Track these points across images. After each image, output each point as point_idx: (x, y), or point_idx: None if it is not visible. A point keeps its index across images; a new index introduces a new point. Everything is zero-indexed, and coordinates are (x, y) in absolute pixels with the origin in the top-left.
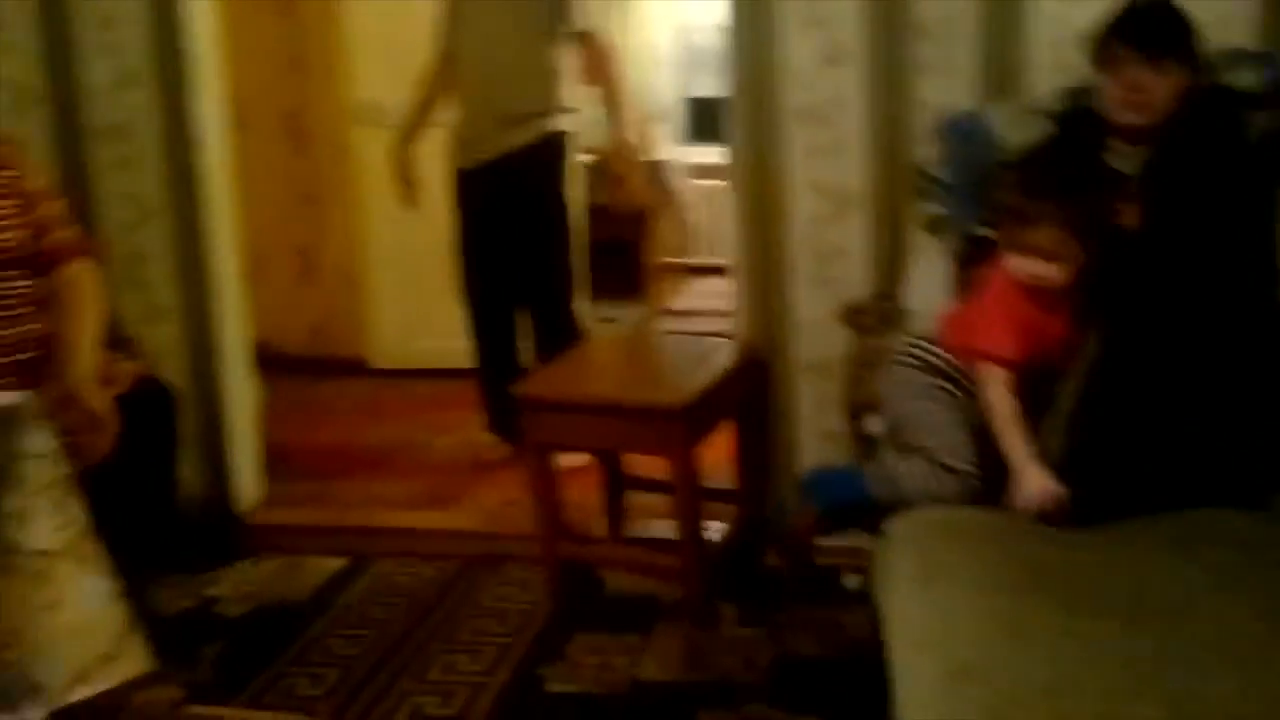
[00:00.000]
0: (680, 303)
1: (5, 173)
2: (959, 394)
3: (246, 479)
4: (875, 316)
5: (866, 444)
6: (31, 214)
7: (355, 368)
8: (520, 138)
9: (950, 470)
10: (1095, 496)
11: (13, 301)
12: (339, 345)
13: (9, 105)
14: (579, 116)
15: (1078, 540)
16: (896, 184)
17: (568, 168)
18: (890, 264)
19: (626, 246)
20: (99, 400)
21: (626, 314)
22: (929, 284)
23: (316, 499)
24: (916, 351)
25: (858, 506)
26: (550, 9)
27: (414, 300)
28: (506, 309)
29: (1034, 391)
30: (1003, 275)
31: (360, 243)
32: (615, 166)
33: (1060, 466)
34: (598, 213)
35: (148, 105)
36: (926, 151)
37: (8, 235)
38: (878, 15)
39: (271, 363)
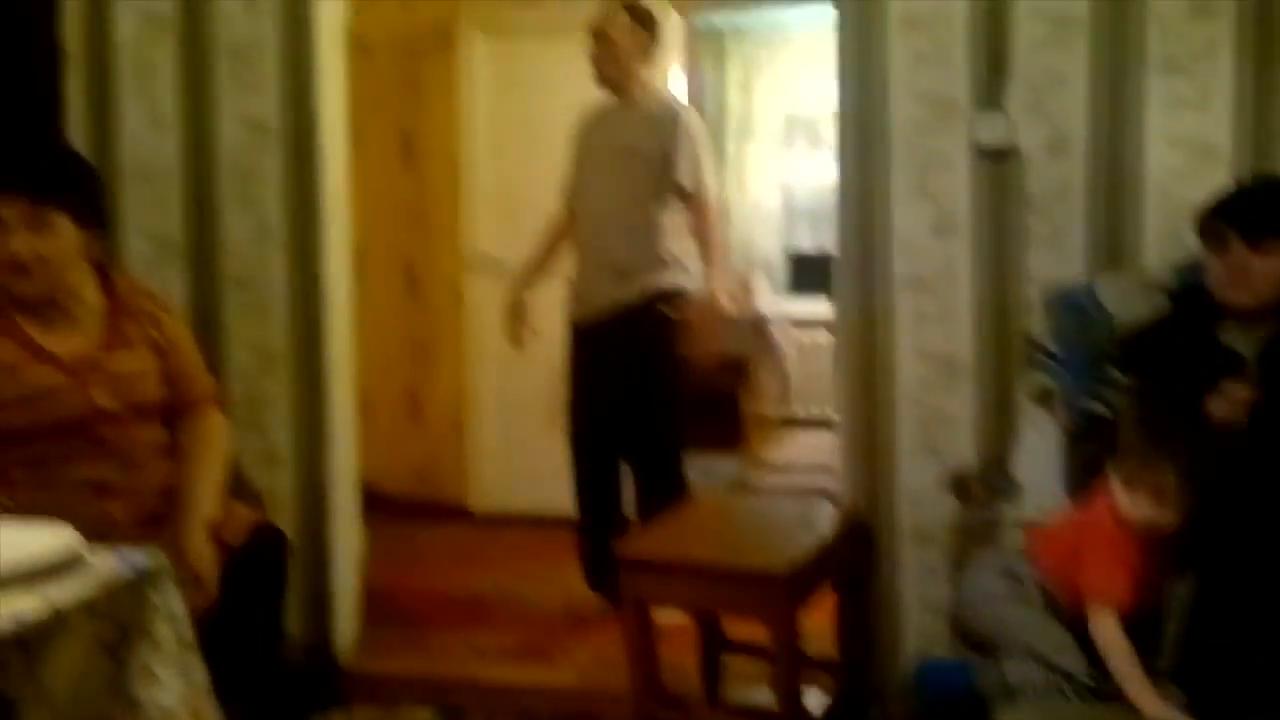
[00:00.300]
0: (780, 456)
1: (146, 323)
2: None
3: (347, 626)
4: (982, 486)
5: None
6: (169, 364)
7: (457, 512)
8: (630, 293)
9: (1063, 671)
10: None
11: (147, 450)
12: (442, 489)
13: (153, 257)
14: (690, 272)
15: None
16: (1005, 354)
17: (676, 324)
18: (998, 434)
19: (726, 398)
20: (206, 558)
21: (726, 467)
22: (1038, 456)
23: (413, 646)
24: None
25: (967, 701)
26: (662, 168)
27: (516, 448)
28: (611, 463)
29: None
30: (1112, 511)
31: (467, 389)
32: (696, 319)
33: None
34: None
35: (279, 257)
36: (1036, 322)
37: (147, 387)
38: (987, 188)
39: (375, 504)
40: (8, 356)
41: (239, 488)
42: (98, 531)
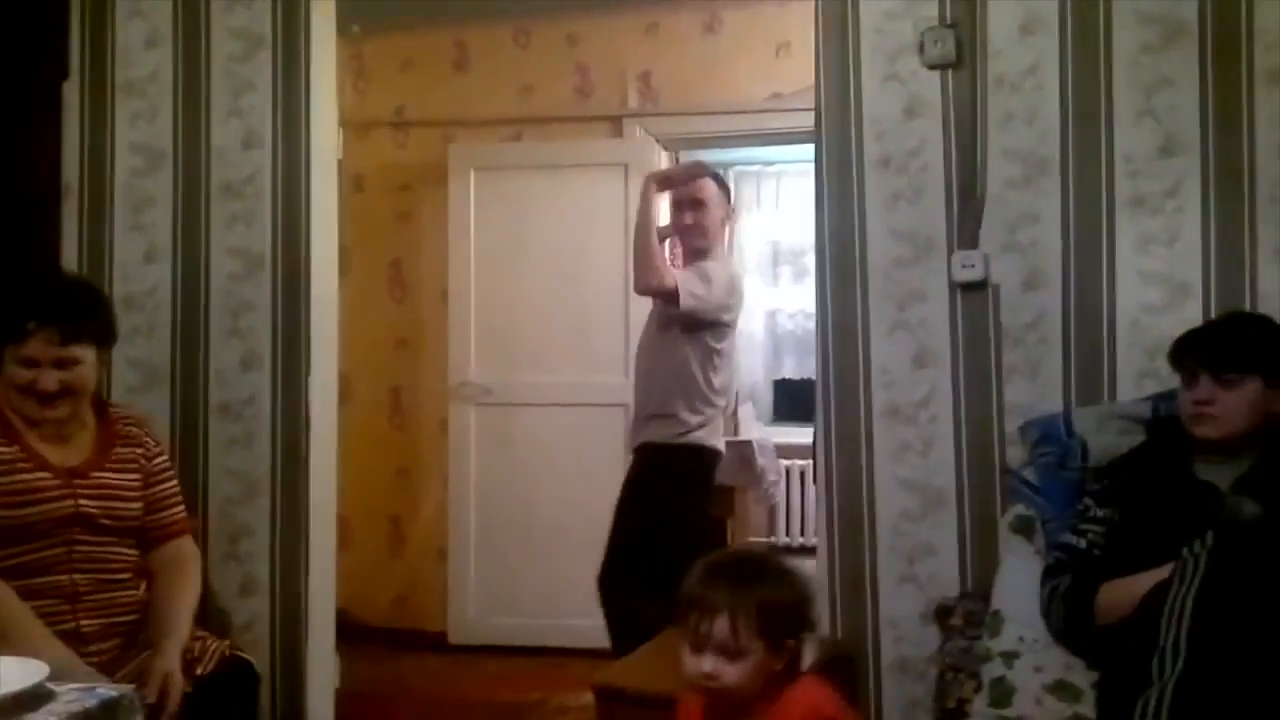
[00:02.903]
0: None
1: (134, 449)
2: None
3: None
4: (964, 617)
5: None
6: (150, 491)
7: (436, 642)
8: (652, 434)
9: None
10: None
11: (122, 567)
12: (421, 618)
13: (140, 384)
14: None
15: None
16: (986, 484)
17: (682, 470)
18: (981, 564)
19: (713, 527)
20: (176, 685)
21: None
22: (1020, 587)
23: None
24: None
25: None
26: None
27: (497, 578)
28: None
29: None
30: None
31: (449, 518)
32: None
33: None
34: None
35: (266, 385)
36: (1015, 453)
37: (131, 506)
38: (964, 321)
39: (352, 633)
40: (7, 456)
41: (209, 618)
42: (70, 641)
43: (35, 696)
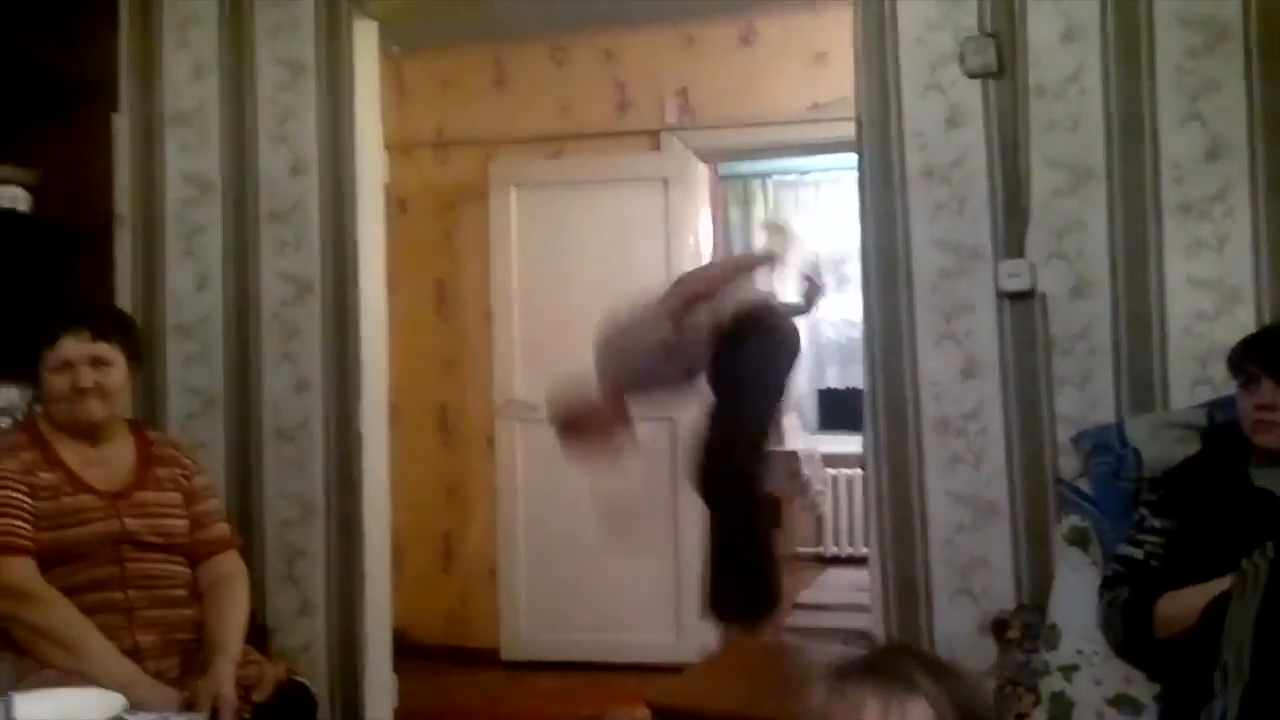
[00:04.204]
0: (813, 595)
1: (176, 470)
2: None
3: None
4: (1021, 630)
5: None
6: (194, 509)
7: (487, 659)
8: None
9: None
10: None
11: (175, 584)
12: (473, 635)
13: (196, 410)
14: None
15: None
16: (1040, 495)
17: None
18: (1036, 577)
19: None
20: (231, 703)
21: None
22: (1076, 600)
23: None
24: None
25: None
26: None
27: (547, 594)
28: None
29: None
30: None
31: (499, 535)
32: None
33: None
34: None
35: (318, 409)
36: (1067, 463)
37: (175, 523)
38: (1013, 331)
39: (406, 651)
40: (52, 482)
41: (267, 639)
42: (128, 656)
43: None
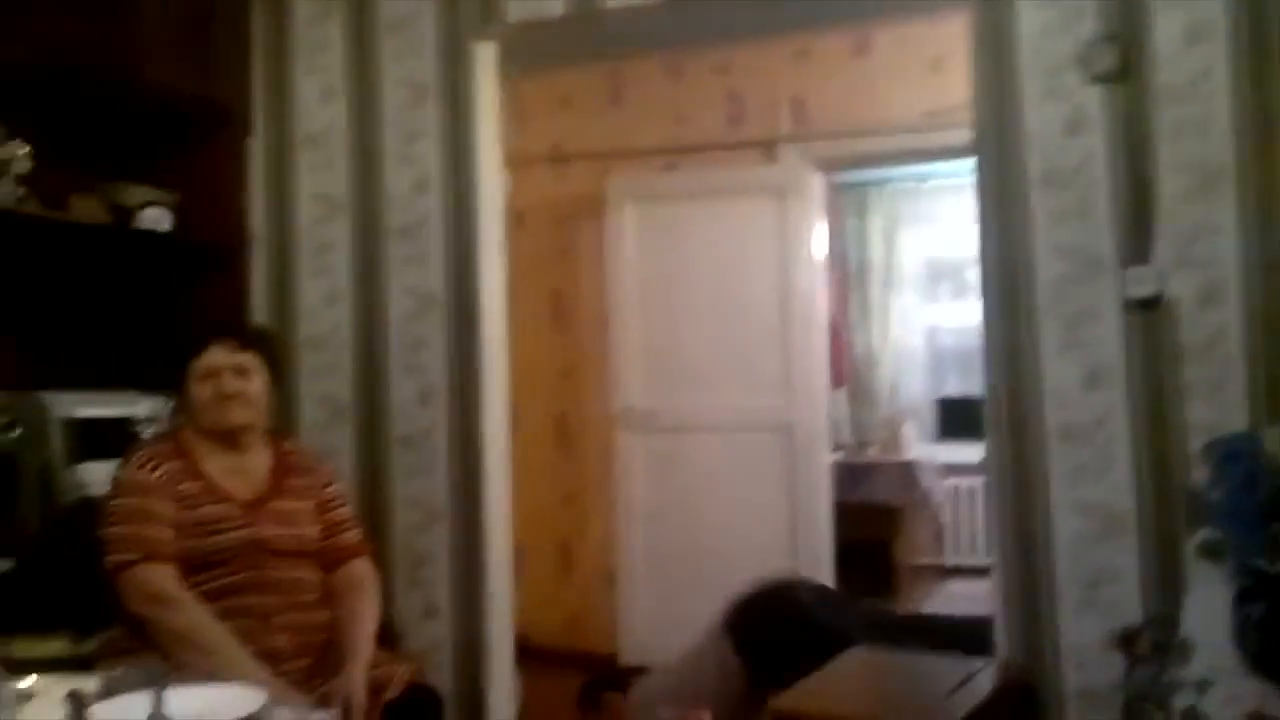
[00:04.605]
0: (932, 605)
1: (310, 478)
2: None
3: None
4: (1151, 644)
5: None
6: (324, 515)
7: (606, 663)
8: None
9: None
10: None
11: (308, 589)
12: (592, 640)
13: (325, 419)
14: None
15: None
16: (1169, 507)
17: None
18: (1166, 590)
19: (877, 546)
20: (362, 702)
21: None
22: (1209, 614)
23: None
24: None
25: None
26: None
27: (665, 599)
28: None
29: None
30: None
31: (617, 541)
32: None
33: None
34: (847, 511)
35: (441, 418)
36: (1197, 474)
37: (307, 530)
38: (1139, 339)
39: (527, 654)
40: (194, 491)
41: (394, 642)
42: (265, 658)
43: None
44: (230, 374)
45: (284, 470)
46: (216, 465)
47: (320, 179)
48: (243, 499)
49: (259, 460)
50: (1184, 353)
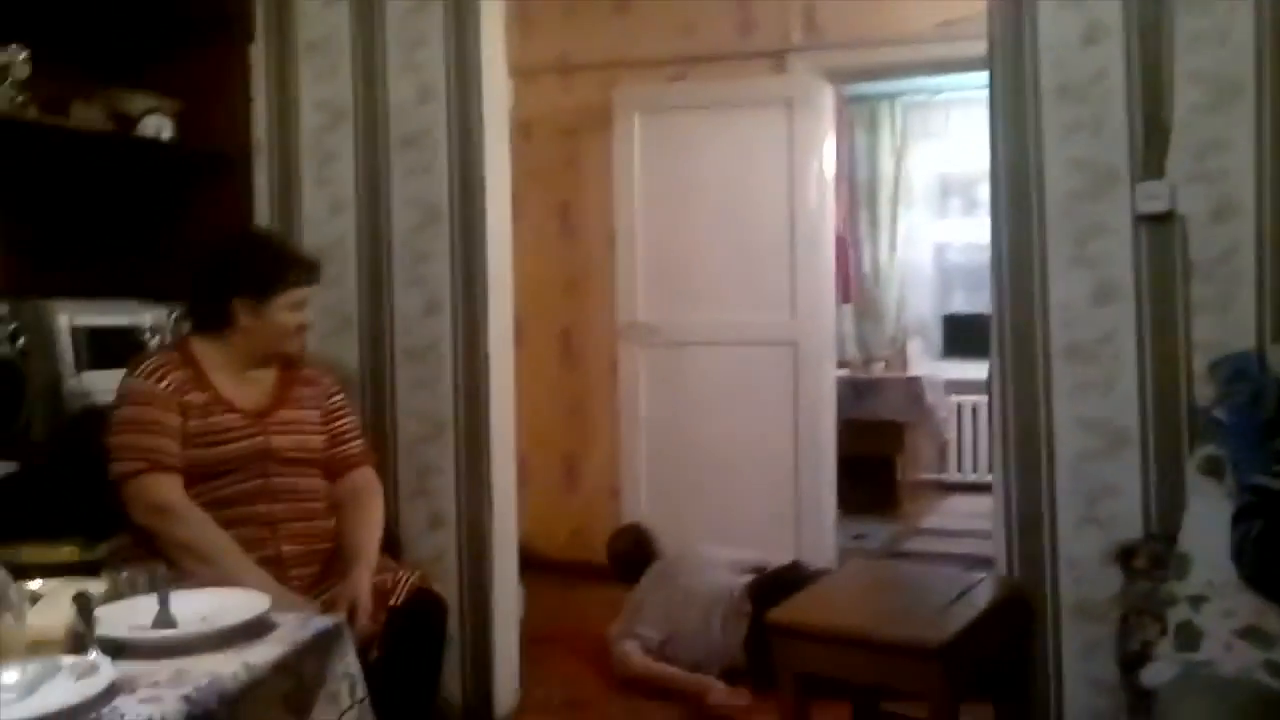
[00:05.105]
0: (933, 521)
1: (314, 389)
2: None
3: (507, 684)
4: (1149, 559)
5: (1139, 698)
6: (329, 425)
7: (609, 573)
8: None
9: None
10: None
11: (315, 497)
12: (595, 551)
13: (331, 330)
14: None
15: None
16: (1172, 423)
17: None
18: (1166, 506)
19: (880, 462)
20: (368, 601)
21: (880, 531)
22: (1207, 529)
23: (572, 708)
24: None
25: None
26: None
27: (668, 511)
28: None
29: None
30: None
31: (621, 454)
32: None
33: None
34: (851, 426)
35: (447, 330)
36: (1203, 391)
37: (312, 439)
38: (1149, 255)
39: (532, 565)
40: (202, 401)
41: (401, 550)
42: (271, 565)
43: (259, 625)
44: (306, 308)
45: (290, 380)
46: (224, 375)
47: (323, 87)
48: (250, 408)
49: (266, 371)
50: (1194, 269)
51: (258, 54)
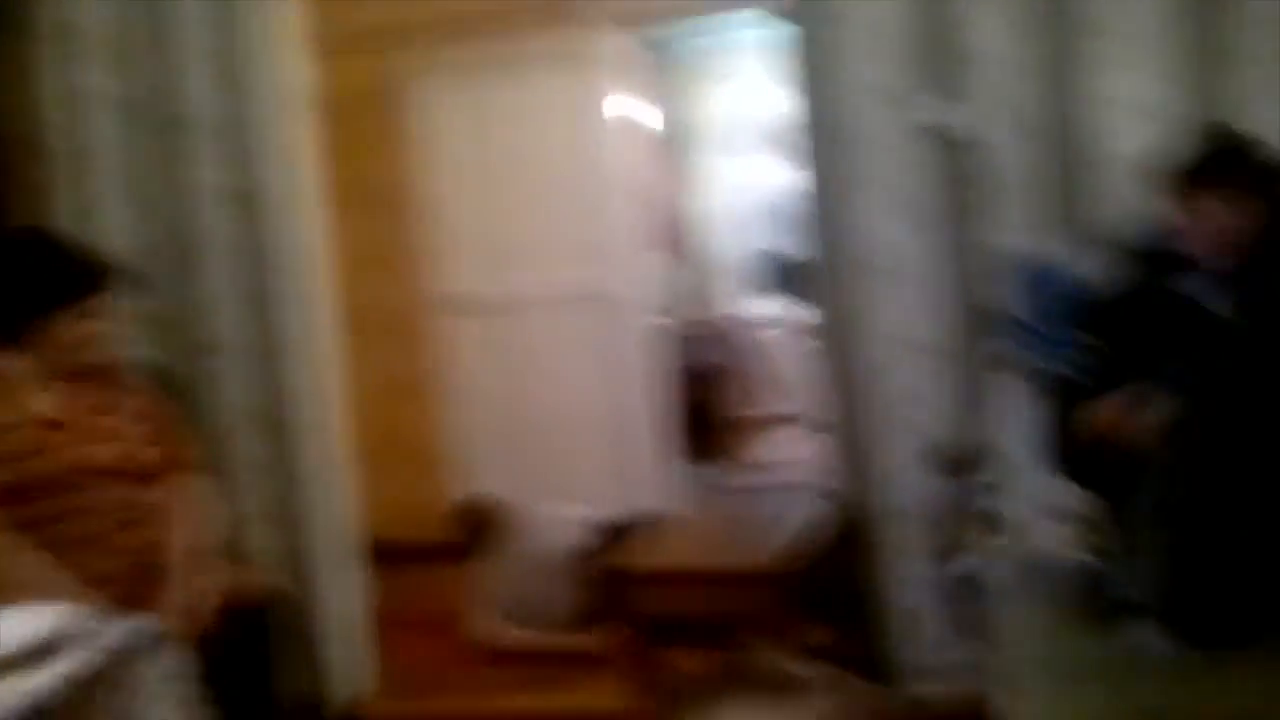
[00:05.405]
0: (756, 456)
1: (124, 395)
2: None
3: (346, 676)
4: (956, 459)
5: (961, 591)
6: (140, 430)
7: (449, 551)
8: None
9: None
10: (1204, 617)
11: (129, 508)
12: (433, 529)
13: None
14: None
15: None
16: (970, 328)
17: None
18: (971, 406)
19: (698, 405)
20: (193, 609)
21: (707, 473)
22: (1001, 422)
23: (426, 689)
24: None
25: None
26: None
27: (498, 481)
28: None
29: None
30: None
31: (445, 428)
32: None
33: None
34: (691, 375)
35: (250, 318)
36: (999, 292)
37: (130, 447)
38: (936, 169)
39: (379, 550)
40: (4, 418)
41: (223, 547)
42: (93, 585)
43: (61, 640)
44: (97, 318)
45: (99, 388)
46: (28, 387)
47: (83, 73)
48: (58, 420)
49: (73, 380)
50: (977, 178)
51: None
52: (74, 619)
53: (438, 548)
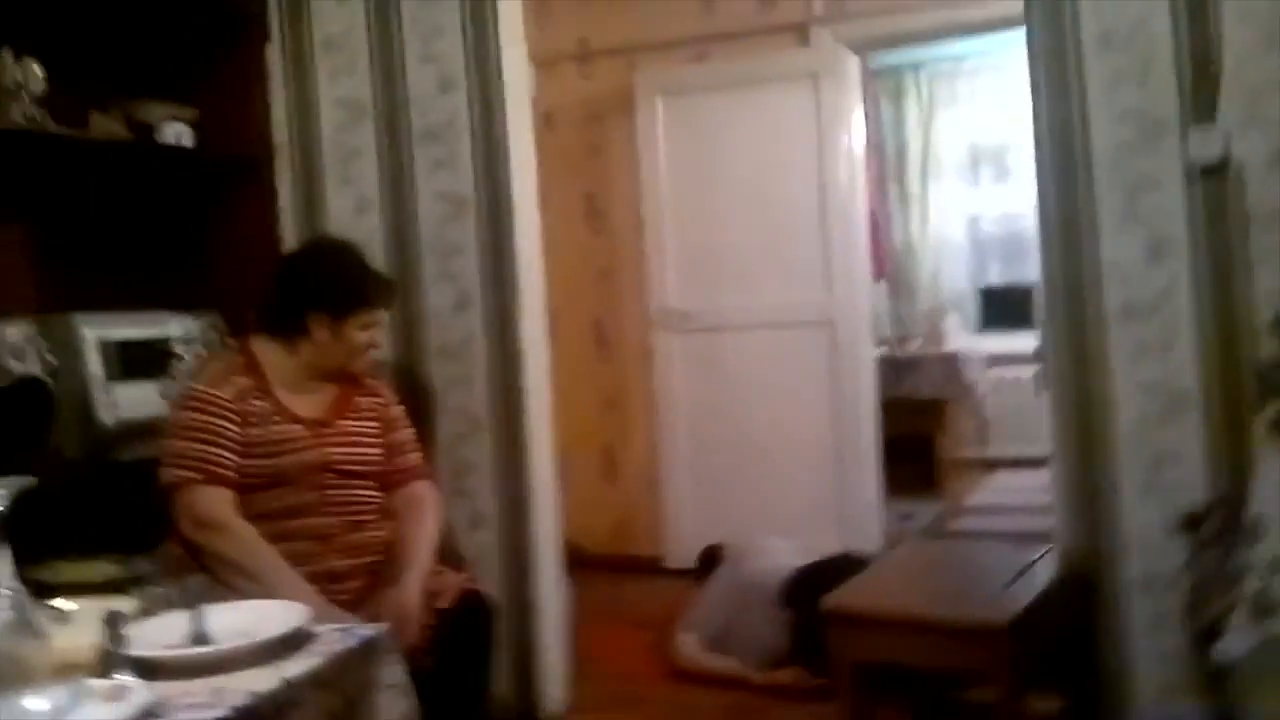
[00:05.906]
0: (979, 498)
1: (374, 399)
2: None
3: (554, 683)
4: (1217, 527)
5: (1212, 673)
6: (388, 436)
7: (652, 567)
8: None
9: None
10: None
11: (368, 509)
12: (639, 544)
13: None
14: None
15: None
16: (1233, 383)
17: None
18: (1230, 469)
19: (921, 440)
20: (417, 612)
21: (924, 511)
22: (1276, 491)
23: (623, 704)
24: None
25: None
26: None
27: (709, 501)
28: None
29: None
30: None
31: (660, 444)
32: None
33: None
34: (891, 406)
35: (479, 325)
36: (1268, 346)
37: (372, 452)
38: (1203, 207)
39: (575, 560)
40: (263, 409)
41: (448, 554)
42: (322, 580)
43: (297, 638)
44: (378, 328)
45: (350, 391)
46: (286, 383)
47: (342, 84)
48: (310, 419)
49: (326, 381)
50: (1252, 219)
51: (274, 54)
52: (303, 617)
53: (642, 562)
